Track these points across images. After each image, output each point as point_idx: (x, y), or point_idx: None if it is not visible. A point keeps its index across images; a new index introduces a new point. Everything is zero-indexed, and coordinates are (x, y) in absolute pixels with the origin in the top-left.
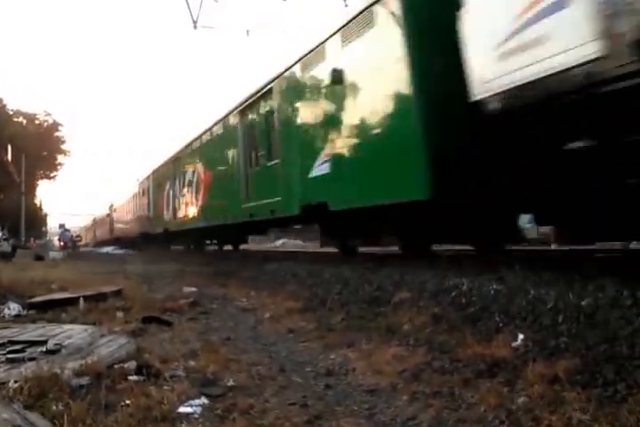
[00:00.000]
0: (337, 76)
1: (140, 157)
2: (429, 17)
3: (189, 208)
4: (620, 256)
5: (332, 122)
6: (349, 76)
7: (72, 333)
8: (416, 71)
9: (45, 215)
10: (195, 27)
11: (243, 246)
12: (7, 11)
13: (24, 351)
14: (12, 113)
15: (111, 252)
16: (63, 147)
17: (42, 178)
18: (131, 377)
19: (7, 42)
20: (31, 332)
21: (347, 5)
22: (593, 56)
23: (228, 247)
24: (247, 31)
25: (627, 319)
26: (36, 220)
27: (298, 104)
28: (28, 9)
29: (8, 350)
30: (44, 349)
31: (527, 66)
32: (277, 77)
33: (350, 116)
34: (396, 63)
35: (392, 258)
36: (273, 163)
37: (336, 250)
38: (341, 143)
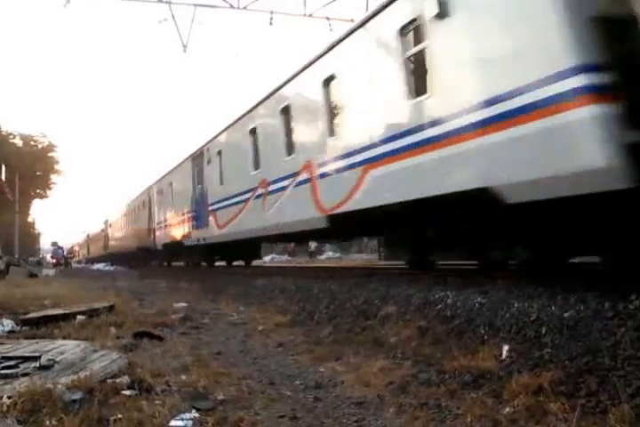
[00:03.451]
0: None
1: (131, 176)
2: None
3: None
4: (601, 269)
5: None
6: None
7: (65, 348)
8: None
9: (39, 234)
10: (184, 50)
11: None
12: (4, 34)
13: (17, 367)
14: (5, 134)
15: (102, 268)
16: (57, 167)
17: (35, 197)
18: (123, 392)
19: (3, 64)
20: (24, 348)
21: (331, 30)
22: None
23: (220, 263)
24: (236, 53)
25: (608, 331)
26: (30, 238)
27: None
28: (23, 33)
29: (2, 365)
30: (38, 364)
31: None
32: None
33: None
34: None
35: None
36: None
37: None
38: None
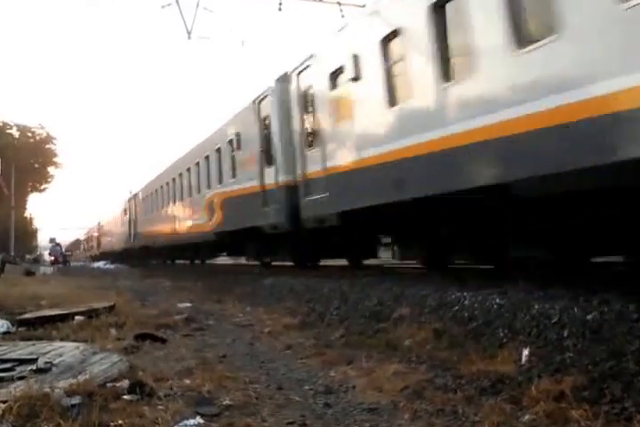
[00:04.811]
0: None
1: (132, 169)
2: None
3: None
4: (624, 270)
5: None
6: None
7: (63, 350)
8: None
9: (36, 230)
10: (189, 37)
11: None
12: (4, 24)
13: (13, 370)
14: (1, 124)
15: (103, 267)
16: (56, 159)
17: (32, 190)
18: (124, 396)
19: (3, 54)
20: (21, 350)
21: (343, 16)
22: None
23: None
24: (242, 41)
25: (633, 334)
26: (27, 234)
27: None
28: (24, 22)
29: None
30: (35, 367)
31: None
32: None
33: None
34: None
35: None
36: None
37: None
38: None
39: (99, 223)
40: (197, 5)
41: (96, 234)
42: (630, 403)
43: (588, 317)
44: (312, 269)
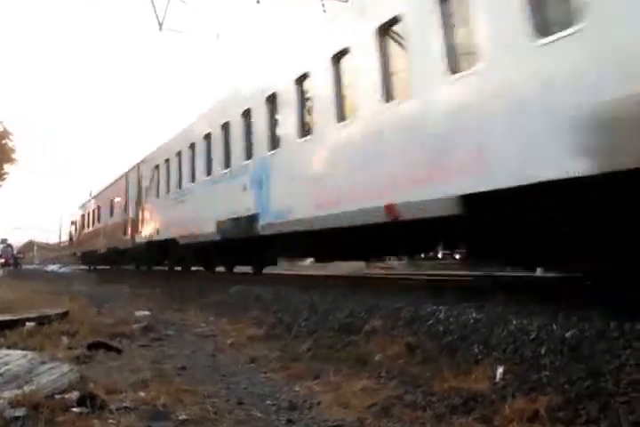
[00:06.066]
0: None
1: (94, 172)
2: None
3: None
4: (610, 284)
5: None
6: None
7: (9, 359)
8: None
9: None
10: (160, 29)
11: None
12: None
13: None
14: None
15: (57, 270)
16: (12, 156)
17: None
18: (73, 409)
19: None
20: None
21: (325, 11)
22: None
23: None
24: (217, 35)
25: (613, 353)
26: None
27: None
28: None
29: None
30: None
31: None
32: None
33: None
34: None
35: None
36: None
37: None
38: None
39: (137, 167)
40: None
41: (118, 198)
42: (606, 424)
43: (567, 334)
44: None
